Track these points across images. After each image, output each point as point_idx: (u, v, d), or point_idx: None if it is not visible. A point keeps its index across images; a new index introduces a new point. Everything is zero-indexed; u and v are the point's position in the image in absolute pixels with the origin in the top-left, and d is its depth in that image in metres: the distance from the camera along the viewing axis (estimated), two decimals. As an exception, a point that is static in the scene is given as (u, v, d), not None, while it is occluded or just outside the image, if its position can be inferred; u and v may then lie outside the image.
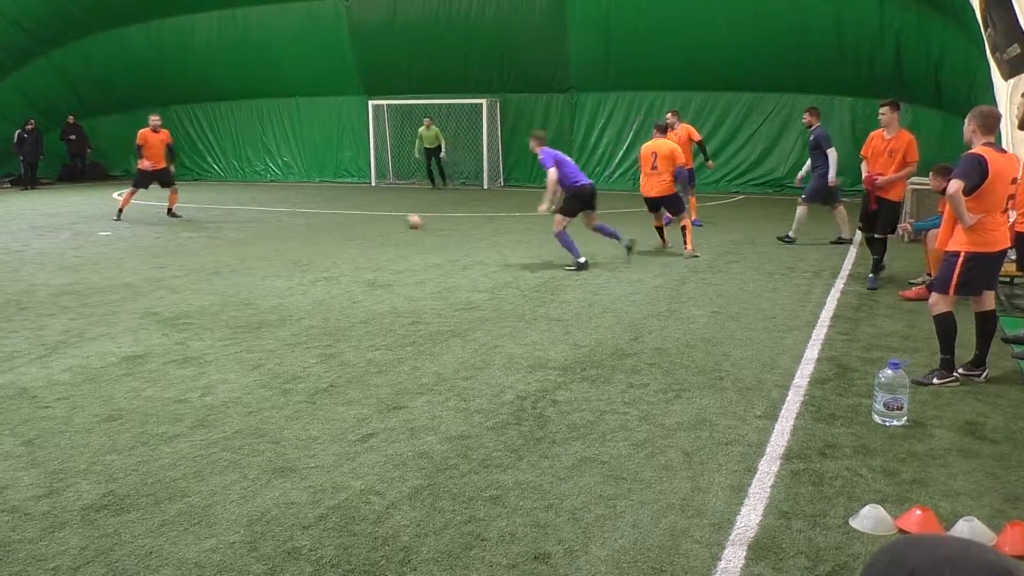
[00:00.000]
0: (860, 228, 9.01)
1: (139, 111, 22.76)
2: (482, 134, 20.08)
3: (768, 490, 3.91)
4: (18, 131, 20.84)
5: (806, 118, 11.63)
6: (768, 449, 4.41)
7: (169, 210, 14.97)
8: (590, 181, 9.82)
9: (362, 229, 13.23)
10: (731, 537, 3.48)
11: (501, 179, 20.53)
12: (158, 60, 21.93)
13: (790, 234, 11.32)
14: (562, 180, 9.58)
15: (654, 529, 3.55)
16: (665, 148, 10.61)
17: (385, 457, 4.33)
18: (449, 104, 20.38)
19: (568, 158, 9.89)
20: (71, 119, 22.54)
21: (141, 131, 14.61)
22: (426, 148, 19.97)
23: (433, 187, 20.30)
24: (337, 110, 21.98)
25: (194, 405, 5.15)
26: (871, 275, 8.60)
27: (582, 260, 9.60)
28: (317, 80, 21.43)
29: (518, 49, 19.30)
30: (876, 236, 8.58)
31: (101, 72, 22.50)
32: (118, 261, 10.47)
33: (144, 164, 14.45)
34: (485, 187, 20.27)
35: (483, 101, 20.06)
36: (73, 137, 22.71)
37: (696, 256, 10.23)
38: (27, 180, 21.27)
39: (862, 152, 8.85)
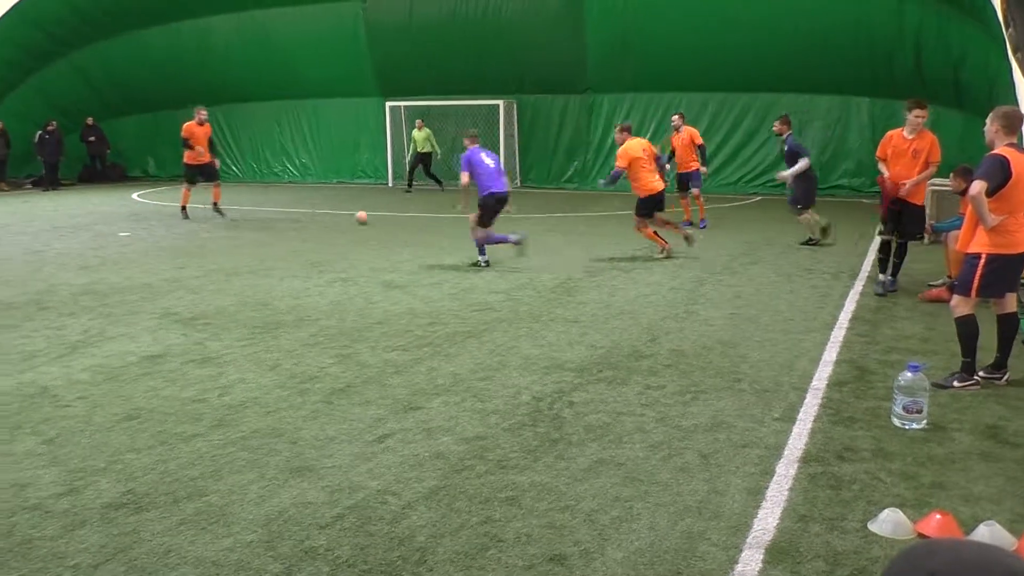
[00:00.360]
0: (881, 232, 8.74)
1: (158, 112, 23.08)
2: (499, 135, 20.06)
3: (786, 493, 3.89)
4: (39, 132, 21.07)
5: (776, 126, 11.53)
6: (786, 452, 4.38)
7: (214, 204, 14.94)
8: (503, 190, 9.79)
9: (379, 230, 13.26)
10: (748, 540, 3.46)
11: (518, 180, 20.47)
12: (177, 62, 22.10)
13: (812, 237, 11.27)
14: (478, 184, 9.74)
15: (671, 531, 3.53)
16: (646, 144, 10.63)
17: (401, 458, 4.34)
18: (466, 105, 20.38)
19: (487, 163, 9.83)
20: (90, 120, 22.77)
21: (187, 124, 14.53)
22: (419, 153, 19.72)
23: (408, 190, 19.95)
24: (354, 111, 22.07)
25: (212, 405, 5.19)
26: (890, 278, 8.46)
27: (513, 238, 9.80)
28: (334, 81, 21.53)
29: (535, 50, 19.28)
30: (899, 242, 8.43)
31: (121, 74, 22.72)
32: (137, 261, 10.55)
33: (191, 157, 14.48)
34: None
35: (500, 102, 20.06)
36: (93, 138, 22.94)
37: (671, 257, 10.22)
38: (48, 181, 21.51)
39: (878, 153, 8.50)
